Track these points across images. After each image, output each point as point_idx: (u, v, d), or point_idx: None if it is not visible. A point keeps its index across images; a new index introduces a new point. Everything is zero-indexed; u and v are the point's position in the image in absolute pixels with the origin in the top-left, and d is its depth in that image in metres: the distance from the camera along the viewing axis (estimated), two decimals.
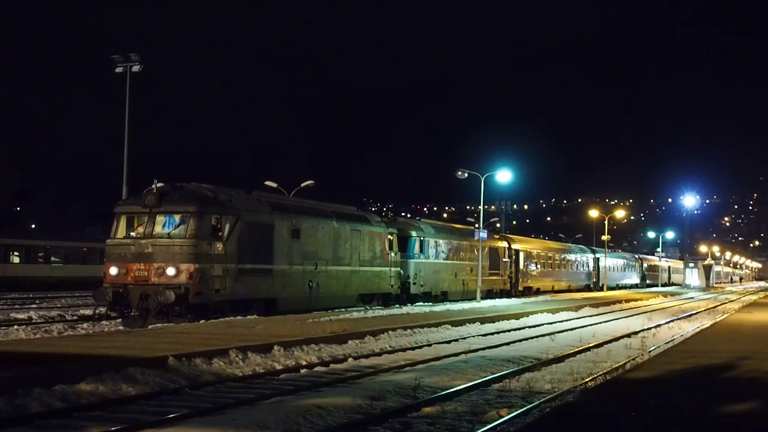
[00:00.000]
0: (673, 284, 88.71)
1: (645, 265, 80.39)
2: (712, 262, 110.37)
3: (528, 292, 45.04)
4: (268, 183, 38.01)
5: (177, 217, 20.53)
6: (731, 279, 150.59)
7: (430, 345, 17.24)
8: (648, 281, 80.00)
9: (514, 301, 36.56)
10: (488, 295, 38.58)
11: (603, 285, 59.54)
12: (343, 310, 25.41)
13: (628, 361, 14.65)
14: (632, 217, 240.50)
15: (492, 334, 20.53)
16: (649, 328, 23.89)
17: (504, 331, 21.28)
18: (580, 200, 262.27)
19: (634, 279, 74.60)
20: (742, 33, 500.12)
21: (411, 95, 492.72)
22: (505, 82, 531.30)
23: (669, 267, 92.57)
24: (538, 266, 47.86)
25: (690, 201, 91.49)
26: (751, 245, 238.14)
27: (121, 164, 33.59)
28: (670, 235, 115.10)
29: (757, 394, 10.63)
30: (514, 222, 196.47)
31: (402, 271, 31.03)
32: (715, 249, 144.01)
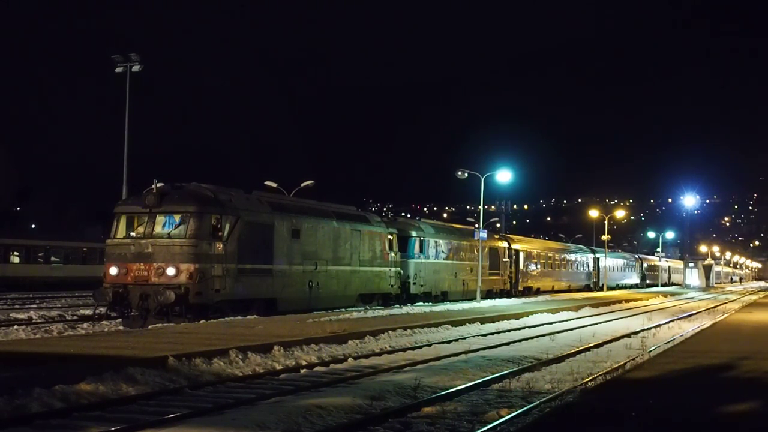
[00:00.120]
0: (673, 284, 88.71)
1: (645, 265, 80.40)
2: (712, 262, 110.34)
3: (528, 292, 45.04)
4: (268, 183, 38.01)
5: (177, 217, 20.53)
6: (731, 279, 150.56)
7: (430, 345, 17.23)
8: (648, 281, 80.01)
9: (514, 301, 36.56)
10: (488, 295, 38.58)
11: (603, 285, 59.55)
12: (343, 310, 25.41)
13: (628, 361, 14.64)
14: (632, 217, 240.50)
15: (492, 334, 20.53)
16: (649, 328, 23.89)
17: (504, 331, 21.28)
18: (580, 200, 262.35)
19: (634, 279, 74.61)
20: (742, 33, 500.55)
21: (411, 95, 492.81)
22: (505, 82, 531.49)
23: (669, 267, 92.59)
24: (538, 266, 47.86)
25: (690, 201, 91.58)
26: (751, 245, 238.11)
27: (121, 164, 33.61)
28: (670, 235, 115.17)
29: (757, 394, 10.63)
30: (514, 222, 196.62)
31: (402, 271, 31.03)
32: (715, 249, 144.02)
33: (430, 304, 31.04)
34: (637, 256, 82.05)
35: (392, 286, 29.89)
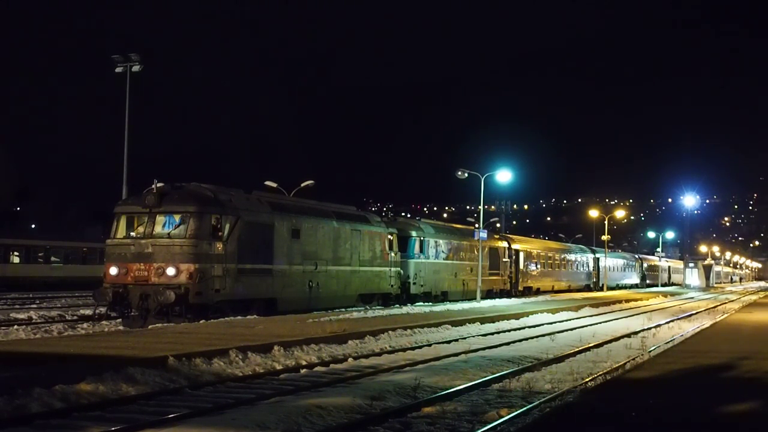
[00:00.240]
0: (673, 284, 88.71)
1: (645, 265, 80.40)
2: (712, 262, 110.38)
3: (528, 292, 45.04)
4: (268, 183, 37.99)
5: (177, 217, 20.53)
6: (731, 279, 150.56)
7: (430, 345, 17.23)
8: (648, 281, 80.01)
9: (514, 301, 36.56)
10: (488, 295, 38.58)
11: (603, 285, 59.54)
12: (343, 310, 25.41)
13: (628, 361, 14.64)
14: (632, 217, 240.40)
15: (492, 334, 20.53)
16: (649, 328, 23.89)
17: (504, 331, 21.28)
18: (580, 200, 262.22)
19: (634, 279, 74.61)
20: (742, 33, 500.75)
21: (411, 95, 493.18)
22: (505, 82, 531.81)
23: (669, 267, 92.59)
24: (538, 266, 47.86)
25: (690, 201, 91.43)
26: (751, 245, 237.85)
27: (121, 164, 33.60)
28: (670, 235, 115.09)
29: (757, 394, 10.63)
30: (514, 222, 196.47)
31: (402, 271, 31.03)
32: (715, 249, 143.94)
33: (430, 304, 31.04)
34: (637, 256, 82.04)
35: (392, 286, 29.89)
